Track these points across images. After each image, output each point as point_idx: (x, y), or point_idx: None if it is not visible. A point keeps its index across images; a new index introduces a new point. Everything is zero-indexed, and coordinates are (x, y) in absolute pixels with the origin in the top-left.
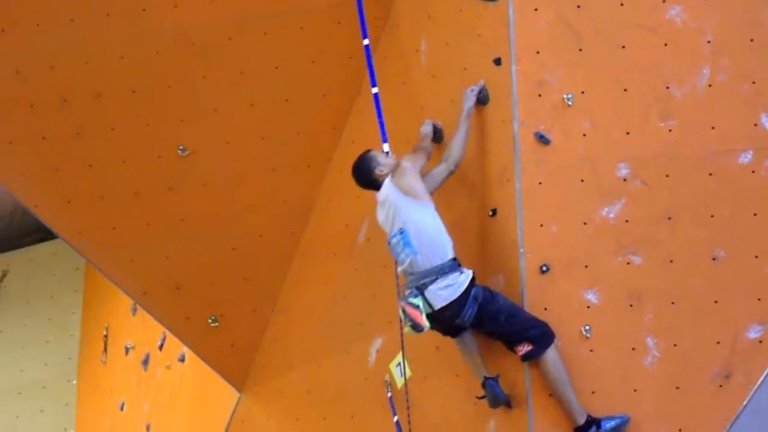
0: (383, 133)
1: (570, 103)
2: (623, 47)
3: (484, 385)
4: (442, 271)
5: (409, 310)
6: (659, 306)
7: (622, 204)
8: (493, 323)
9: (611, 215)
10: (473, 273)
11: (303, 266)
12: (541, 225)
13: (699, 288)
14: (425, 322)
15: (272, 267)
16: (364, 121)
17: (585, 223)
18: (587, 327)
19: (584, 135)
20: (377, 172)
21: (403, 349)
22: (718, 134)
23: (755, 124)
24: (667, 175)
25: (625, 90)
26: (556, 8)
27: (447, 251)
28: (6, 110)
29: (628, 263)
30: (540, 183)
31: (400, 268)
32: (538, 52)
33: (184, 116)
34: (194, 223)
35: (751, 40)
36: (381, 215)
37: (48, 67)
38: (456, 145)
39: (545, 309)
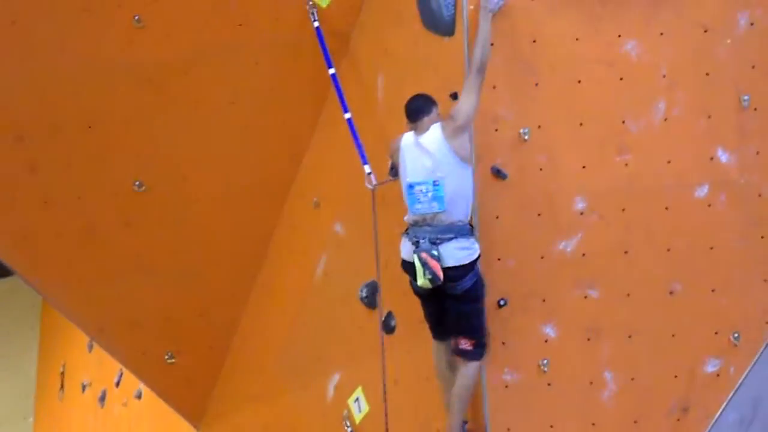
0: (362, 155)
1: (526, 137)
2: (579, 82)
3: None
4: (460, 232)
5: (431, 261)
6: (617, 340)
7: (579, 238)
8: (467, 305)
9: (568, 249)
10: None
11: (260, 302)
12: (499, 259)
13: (656, 322)
14: (442, 275)
15: (229, 302)
16: (322, 157)
17: (542, 257)
18: (545, 361)
19: (541, 169)
20: (437, 110)
21: (384, 372)
22: (674, 168)
23: (711, 158)
24: (623, 209)
25: (581, 124)
26: (512, 43)
27: (468, 214)
28: None
29: (586, 297)
30: (497, 217)
31: (411, 215)
32: (494, 87)
33: (140, 151)
34: (151, 259)
35: (706, 74)
36: (412, 153)
37: (1, 103)
38: (477, 44)
39: (503, 343)
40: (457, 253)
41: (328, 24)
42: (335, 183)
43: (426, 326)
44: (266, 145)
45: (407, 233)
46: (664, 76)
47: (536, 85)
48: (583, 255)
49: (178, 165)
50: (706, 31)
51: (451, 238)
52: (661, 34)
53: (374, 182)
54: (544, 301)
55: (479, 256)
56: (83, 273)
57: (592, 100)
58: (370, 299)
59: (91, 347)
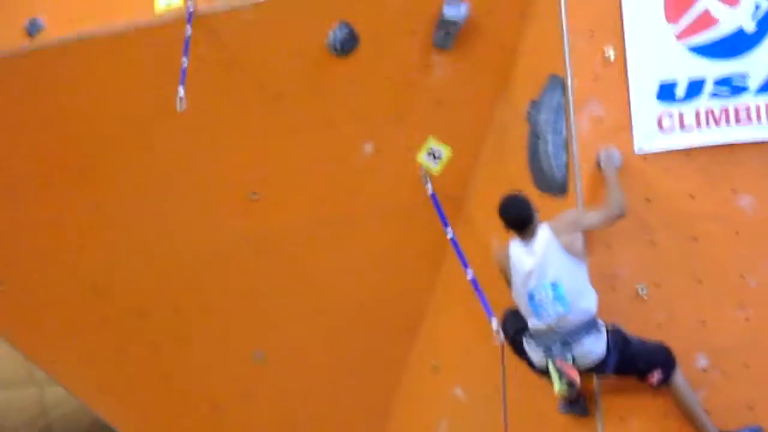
0: (488, 310)
1: (644, 295)
2: (695, 239)
3: (572, 403)
4: (589, 328)
5: (567, 367)
6: None
7: (703, 394)
8: (631, 365)
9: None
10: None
11: None
12: (621, 419)
13: None
14: (578, 381)
15: None
16: (440, 321)
17: (665, 416)
18: None
19: (660, 326)
20: (534, 213)
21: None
22: None
23: None
24: (746, 365)
25: (700, 281)
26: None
27: (594, 307)
28: (83, 325)
29: None
30: (618, 378)
31: (538, 323)
32: (609, 246)
33: (258, 324)
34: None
35: None
36: (523, 262)
37: (125, 282)
38: (614, 191)
39: None
40: (593, 348)
41: (441, 190)
42: (454, 347)
43: None
44: (383, 313)
45: (532, 340)
46: None
47: (652, 243)
48: (708, 413)
49: (295, 337)
50: None
51: (582, 339)
52: None
53: (502, 338)
54: None
55: (608, 332)
56: None
57: (709, 257)
58: None
59: None
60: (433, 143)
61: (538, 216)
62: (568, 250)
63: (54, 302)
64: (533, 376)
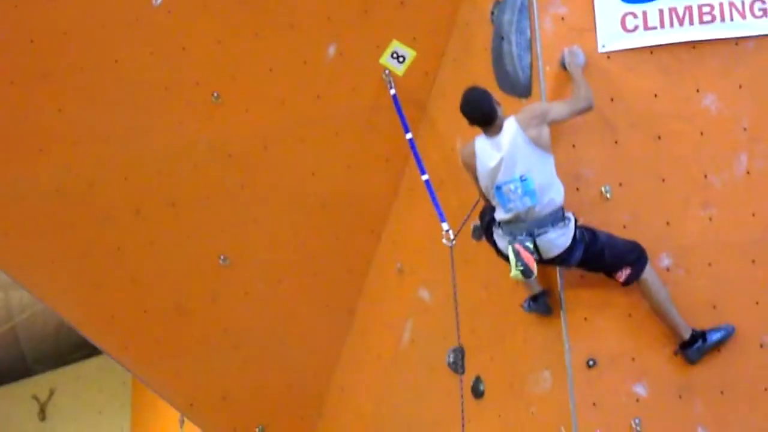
0: (440, 213)
1: (608, 195)
2: (659, 138)
3: (534, 299)
4: (555, 220)
5: (524, 254)
6: (709, 396)
7: None
8: (598, 261)
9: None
10: (573, 215)
11: (348, 371)
12: (586, 318)
13: (748, 376)
14: (536, 268)
15: (317, 373)
16: (404, 223)
17: (630, 315)
18: (637, 420)
19: (624, 227)
20: (497, 106)
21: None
22: (760, 220)
23: None
24: (710, 264)
25: (663, 180)
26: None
27: (560, 199)
28: (47, 229)
29: (675, 354)
30: (582, 276)
31: (505, 214)
32: (573, 146)
33: (223, 226)
34: (237, 333)
35: None
36: (489, 156)
37: (87, 185)
38: (581, 85)
39: (594, 404)
40: (557, 241)
41: (405, 92)
42: (418, 248)
43: (514, 390)
44: (347, 214)
45: (501, 229)
46: (744, 129)
47: (616, 142)
48: None
49: (260, 238)
50: None
51: (547, 230)
52: (740, 86)
53: (452, 238)
54: (633, 360)
55: (577, 227)
56: (172, 349)
57: (673, 156)
58: (458, 364)
59: (182, 422)
60: (396, 45)
61: (501, 110)
62: (536, 142)
63: (17, 205)
64: (496, 276)
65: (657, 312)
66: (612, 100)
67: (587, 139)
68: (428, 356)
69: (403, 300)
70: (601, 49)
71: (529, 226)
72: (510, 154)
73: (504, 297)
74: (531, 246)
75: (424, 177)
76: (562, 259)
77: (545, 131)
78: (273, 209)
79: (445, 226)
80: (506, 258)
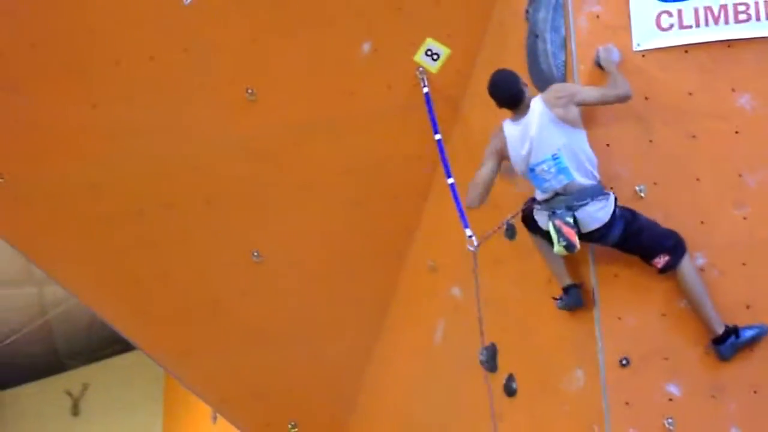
0: (463, 218)
1: (642, 194)
2: (694, 137)
3: (566, 291)
4: (594, 194)
5: (565, 229)
6: (742, 396)
7: None
8: (636, 241)
9: (690, 307)
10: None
11: (380, 369)
12: (619, 318)
13: None
14: (578, 242)
15: (349, 370)
16: (437, 220)
17: (663, 314)
18: (670, 420)
19: None
20: (524, 88)
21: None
22: None
23: None
24: (744, 263)
25: (698, 179)
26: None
27: (596, 173)
28: (81, 225)
29: (708, 353)
30: (615, 275)
31: (543, 194)
32: (608, 145)
33: (257, 222)
34: (271, 329)
35: None
36: (519, 142)
37: (121, 181)
38: (617, 77)
39: (627, 403)
40: (596, 214)
41: (439, 90)
42: (451, 246)
43: (547, 389)
44: (381, 211)
45: (540, 206)
46: None
47: (650, 141)
48: None
49: (293, 235)
50: None
51: (587, 203)
52: None
53: (476, 244)
54: (666, 359)
55: (616, 203)
56: (204, 345)
57: (707, 155)
58: (490, 363)
59: (215, 418)
60: (431, 43)
61: (528, 90)
62: (564, 119)
63: (52, 201)
64: (528, 274)
65: (692, 304)
66: (646, 98)
67: (621, 138)
68: (460, 354)
69: (435, 298)
70: (635, 48)
71: (568, 201)
72: (539, 135)
73: (535, 295)
74: (571, 220)
75: (450, 180)
76: (601, 235)
77: (573, 110)
78: (306, 206)
79: (468, 231)
80: (544, 236)
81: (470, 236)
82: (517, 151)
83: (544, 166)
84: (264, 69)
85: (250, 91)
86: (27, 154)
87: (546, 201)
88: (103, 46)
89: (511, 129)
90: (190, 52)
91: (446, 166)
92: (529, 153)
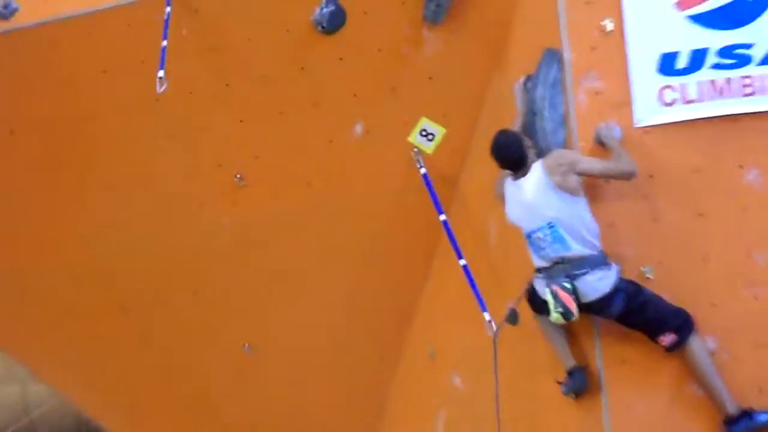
0: (481, 302)
1: (649, 275)
2: (701, 215)
3: (571, 374)
4: (594, 263)
5: (563, 294)
6: None
7: None
8: (639, 316)
9: (701, 392)
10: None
11: None
12: (628, 406)
13: None
14: (576, 310)
15: None
16: (435, 306)
17: (672, 399)
18: None
19: None
20: (527, 150)
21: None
22: None
23: None
24: (756, 346)
25: (706, 259)
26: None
27: (597, 242)
28: (66, 320)
29: (721, 430)
30: (623, 361)
31: (540, 261)
32: (611, 225)
33: (247, 314)
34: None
35: None
36: (516, 203)
37: (106, 275)
38: (621, 153)
39: None
40: (596, 284)
41: (434, 169)
42: (450, 333)
43: None
44: (377, 300)
45: (540, 274)
46: None
47: (655, 220)
48: None
49: (285, 326)
50: None
51: (586, 272)
52: None
53: (495, 329)
54: None
55: (619, 277)
56: None
57: (715, 234)
58: None
59: None
60: (425, 123)
61: (531, 152)
62: (561, 187)
63: (35, 297)
64: (533, 359)
65: (702, 384)
66: (651, 176)
67: (625, 218)
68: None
69: (435, 387)
70: (637, 124)
71: (567, 269)
72: (534, 201)
73: (538, 383)
74: (569, 287)
75: (462, 262)
76: (602, 307)
77: (573, 178)
78: (298, 295)
79: (486, 316)
80: (542, 308)
81: (489, 321)
82: (513, 210)
83: (540, 234)
84: (253, 152)
85: (238, 176)
86: (8, 248)
87: (546, 269)
88: (86, 135)
89: (510, 187)
90: (175, 138)
91: (456, 247)
92: (524, 219)
